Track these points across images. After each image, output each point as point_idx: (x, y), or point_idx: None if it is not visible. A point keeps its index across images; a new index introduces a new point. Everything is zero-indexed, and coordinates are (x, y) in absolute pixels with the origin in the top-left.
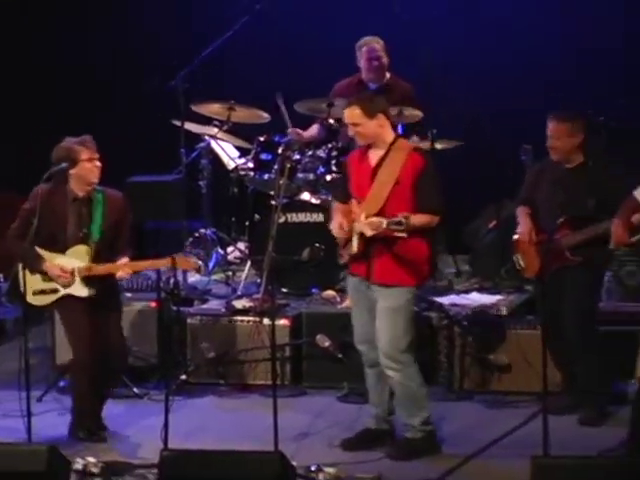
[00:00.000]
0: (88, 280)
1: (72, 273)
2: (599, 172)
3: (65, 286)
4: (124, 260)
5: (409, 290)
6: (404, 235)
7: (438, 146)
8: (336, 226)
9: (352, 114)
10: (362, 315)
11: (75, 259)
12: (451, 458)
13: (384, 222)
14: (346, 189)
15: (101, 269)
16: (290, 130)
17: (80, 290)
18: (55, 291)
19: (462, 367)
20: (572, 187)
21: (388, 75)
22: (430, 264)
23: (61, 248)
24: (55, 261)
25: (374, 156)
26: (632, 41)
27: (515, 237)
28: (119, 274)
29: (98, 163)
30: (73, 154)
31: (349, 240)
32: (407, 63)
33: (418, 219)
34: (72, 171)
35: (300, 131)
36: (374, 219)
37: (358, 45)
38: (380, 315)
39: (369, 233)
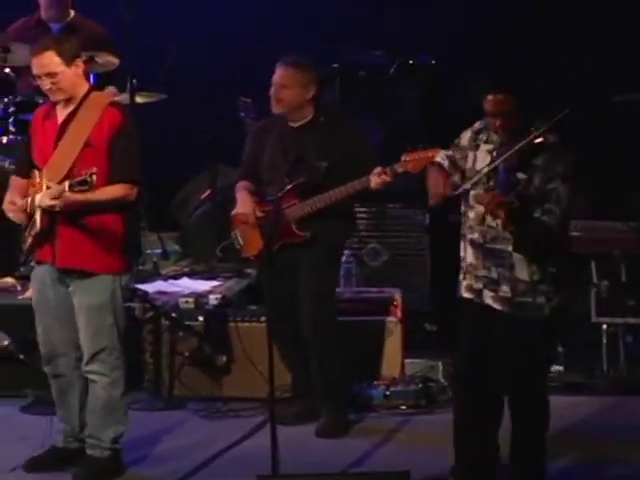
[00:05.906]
0: None
1: None
2: (330, 131)
3: None
4: None
5: (114, 279)
6: None
7: (139, 100)
8: (7, 205)
9: (49, 62)
10: (47, 315)
11: None
12: None
13: (66, 185)
14: (27, 158)
15: None
16: None
17: None
18: None
19: (172, 369)
20: (299, 149)
21: (72, 13)
22: (132, 247)
23: None
24: None
25: (62, 113)
26: None
27: (234, 212)
28: None
29: None
30: None
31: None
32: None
33: (111, 192)
34: None
35: None
36: (55, 186)
37: None
38: (82, 314)
39: (48, 203)
